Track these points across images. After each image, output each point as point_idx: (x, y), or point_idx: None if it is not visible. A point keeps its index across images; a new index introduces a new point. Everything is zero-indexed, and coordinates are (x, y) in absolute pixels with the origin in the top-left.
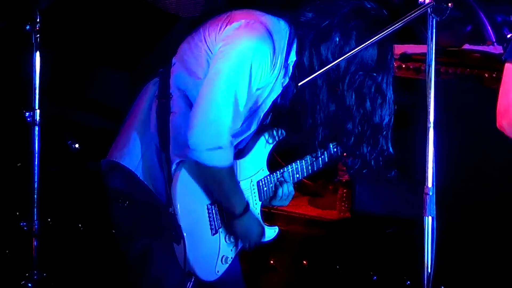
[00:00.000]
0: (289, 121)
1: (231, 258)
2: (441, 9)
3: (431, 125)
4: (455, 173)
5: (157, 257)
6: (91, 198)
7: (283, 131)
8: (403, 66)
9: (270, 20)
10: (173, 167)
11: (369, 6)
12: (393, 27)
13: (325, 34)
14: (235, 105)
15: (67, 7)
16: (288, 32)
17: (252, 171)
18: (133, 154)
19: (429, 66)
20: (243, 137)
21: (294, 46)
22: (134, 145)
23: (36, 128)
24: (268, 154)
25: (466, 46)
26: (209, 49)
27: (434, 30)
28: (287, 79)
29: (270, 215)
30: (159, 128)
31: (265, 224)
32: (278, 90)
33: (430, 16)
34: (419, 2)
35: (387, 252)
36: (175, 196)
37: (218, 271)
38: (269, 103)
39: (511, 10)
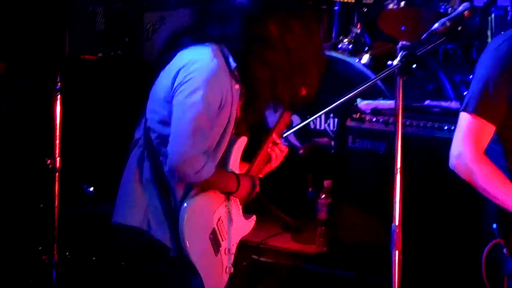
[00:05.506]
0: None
1: (231, 265)
2: (407, 69)
3: (398, 170)
4: (418, 211)
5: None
6: (103, 234)
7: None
8: (374, 119)
9: (204, 49)
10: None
11: None
12: (365, 84)
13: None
14: (204, 128)
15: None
16: (219, 50)
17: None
18: (136, 211)
19: (396, 119)
20: (222, 146)
21: (230, 57)
22: (135, 203)
23: (57, 174)
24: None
25: (428, 102)
26: (167, 94)
27: (400, 88)
28: (238, 85)
29: (259, 249)
30: (156, 181)
31: (244, 218)
32: (236, 98)
33: (398, 76)
34: (387, 64)
35: (359, 280)
36: (185, 244)
37: (224, 281)
38: (234, 112)
39: (469, 71)
